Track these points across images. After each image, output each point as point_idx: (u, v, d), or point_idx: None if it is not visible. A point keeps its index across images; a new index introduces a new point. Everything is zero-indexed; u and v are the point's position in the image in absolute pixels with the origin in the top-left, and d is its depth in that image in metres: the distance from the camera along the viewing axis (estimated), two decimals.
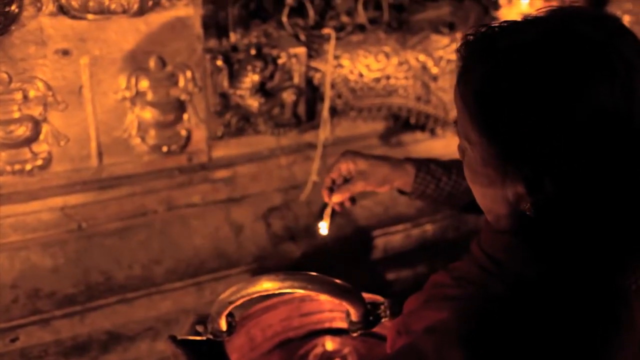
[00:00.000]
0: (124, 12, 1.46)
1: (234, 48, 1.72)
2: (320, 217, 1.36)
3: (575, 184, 0.73)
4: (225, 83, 1.71)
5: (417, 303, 0.95)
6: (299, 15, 1.80)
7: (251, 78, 1.71)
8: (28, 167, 1.56)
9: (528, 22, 0.77)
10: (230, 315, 1.08)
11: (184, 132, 1.71)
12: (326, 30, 1.81)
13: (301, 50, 1.76)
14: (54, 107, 1.53)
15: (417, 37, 1.92)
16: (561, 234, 0.77)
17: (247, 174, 1.84)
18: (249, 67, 1.70)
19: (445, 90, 2.02)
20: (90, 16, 1.45)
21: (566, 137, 0.71)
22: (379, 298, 1.14)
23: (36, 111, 1.52)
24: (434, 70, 1.98)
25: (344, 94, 1.90)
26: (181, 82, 1.64)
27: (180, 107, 1.67)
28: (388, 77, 1.94)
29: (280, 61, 1.75)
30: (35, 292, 1.61)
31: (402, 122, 2.08)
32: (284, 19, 1.77)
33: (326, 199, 1.29)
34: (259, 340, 1.36)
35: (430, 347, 0.79)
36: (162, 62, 1.60)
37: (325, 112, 1.85)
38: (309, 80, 1.83)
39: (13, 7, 1.37)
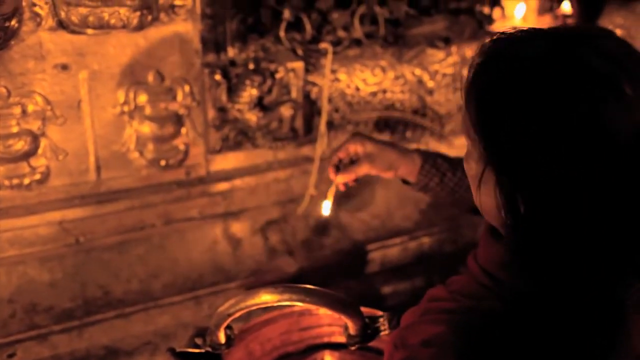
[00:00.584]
0: (124, 27, 1.47)
1: (232, 62, 1.73)
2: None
3: (550, 206, 0.73)
4: (224, 97, 1.72)
5: (414, 316, 0.95)
6: (296, 30, 1.82)
7: (249, 92, 1.72)
8: (26, 181, 1.56)
9: (537, 36, 0.78)
10: (229, 327, 1.08)
11: (182, 146, 1.71)
12: (323, 45, 1.83)
13: (298, 65, 1.78)
14: (53, 122, 1.54)
15: (413, 51, 1.94)
16: (549, 251, 0.76)
17: (244, 188, 1.84)
18: (247, 82, 1.71)
19: (441, 103, 2.04)
20: (89, 31, 1.46)
21: (551, 153, 0.72)
22: (377, 312, 1.14)
23: (35, 125, 1.52)
24: (430, 84, 2.00)
25: (341, 107, 1.91)
26: (179, 97, 1.65)
27: (178, 121, 1.68)
28: (384, 91, 1.95)
29: (278, 75, 1.76)
30: (32, 306, 1.61)
31: (399, 135, 2.09)
32: (282, 33, 1.78)
33: (331, 177, 1.30)
34: (258, 354, 1.35)
35: None
36: (161, 77, 1.61)
37: (322, 126, 1.86)
38: (306, 95, 1.84)
39: (13, 22, 1.38)
